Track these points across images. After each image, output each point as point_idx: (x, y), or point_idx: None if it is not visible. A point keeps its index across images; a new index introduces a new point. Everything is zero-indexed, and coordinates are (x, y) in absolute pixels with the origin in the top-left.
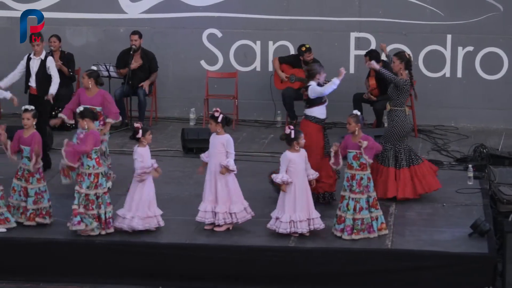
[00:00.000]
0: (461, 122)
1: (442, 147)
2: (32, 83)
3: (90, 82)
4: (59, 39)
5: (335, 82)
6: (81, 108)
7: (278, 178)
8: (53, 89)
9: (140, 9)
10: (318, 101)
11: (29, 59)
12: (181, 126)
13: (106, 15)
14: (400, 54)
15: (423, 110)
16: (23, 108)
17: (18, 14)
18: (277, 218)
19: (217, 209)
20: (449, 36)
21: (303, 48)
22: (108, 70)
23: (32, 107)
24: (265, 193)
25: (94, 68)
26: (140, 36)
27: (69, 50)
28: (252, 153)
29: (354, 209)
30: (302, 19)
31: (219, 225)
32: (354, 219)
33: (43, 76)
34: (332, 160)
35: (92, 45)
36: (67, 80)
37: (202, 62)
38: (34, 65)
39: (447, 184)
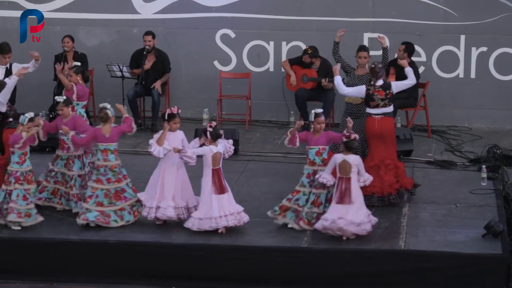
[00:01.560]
0: (475, 122)
1: (456, 148)
2: None
3: (78, 78)
4: (73, 40)
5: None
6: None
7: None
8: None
9: (153, 9)
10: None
11: None
12: (195, 126)
13: (120, 16)
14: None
15: (437, 110)
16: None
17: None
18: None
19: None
20: (462, 37)
21: (310, 51)
22: (121, 71)
23: (63, 97)
24: (277, 193)
25: (78, 63)
26: (154, 37)
27: (83, 50)
28: (265, 153)
29: (313, 203)
30: (316, 20)
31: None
32: (308, 212)
33: None
34: (289, 137)
35: (105, 46)
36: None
37: (216, 63)
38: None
39: (460, 185)
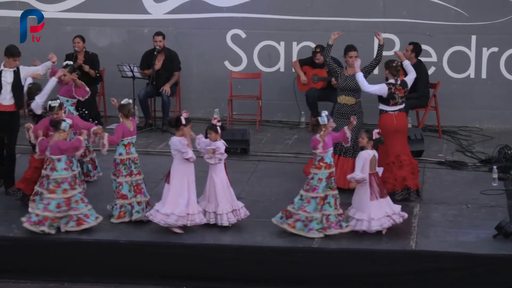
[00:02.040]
0: (486, 123)
1: (467, 148)
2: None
3: (73, 77)
4: (83, 40)
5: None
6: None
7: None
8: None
9: (164, 9)
10: None
11: None
12: (205, 126)
13: (130, 16)
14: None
15: (448, 111)
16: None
17: (43, 15)
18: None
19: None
20: (473, 37)
21: (318, 49)
22: (132, 71)
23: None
24: (289, 194)
25: (70, 62)
26: (164, 37)
27: (93, 50)
28: (276, 153)
29: (336, 206)
30: (326, 20)
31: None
32: (337, 215)
33: (19, 88)
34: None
35: (116, 46)
36: (93, 81)
37: (226, 63)
38: (8, 77)
39: (471, 186)
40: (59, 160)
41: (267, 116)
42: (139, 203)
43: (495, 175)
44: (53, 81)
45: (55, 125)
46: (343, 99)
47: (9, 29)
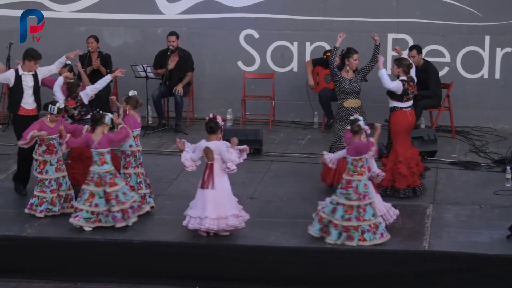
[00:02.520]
0: (499, 123)
1: (480, 149)
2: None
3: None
4: (97, 40)
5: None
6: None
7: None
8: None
9: (177, 10)
10: None
11: (19, 75)
12: None
13: (144, 16)
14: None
15: (461, 111)
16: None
17: (56, 15)
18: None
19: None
20: (487, 37)
21: (328, 53)
22: (145, 71)
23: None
24: (302, 194)
25: (69, 62)
26: (178, 37)
27: (107, 51)
28: (289, 154)
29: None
30: (339, 20)
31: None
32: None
33: (39, 91)
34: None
35: (129, 46)
36: None
37: (239, 63)
38: (29, 81)
39: (484, 186)
40: (108, 153)
41: (280, 116)
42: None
43: (509, 176)
44: (107, 78)
45: (99, 119)
46: (350, 103)
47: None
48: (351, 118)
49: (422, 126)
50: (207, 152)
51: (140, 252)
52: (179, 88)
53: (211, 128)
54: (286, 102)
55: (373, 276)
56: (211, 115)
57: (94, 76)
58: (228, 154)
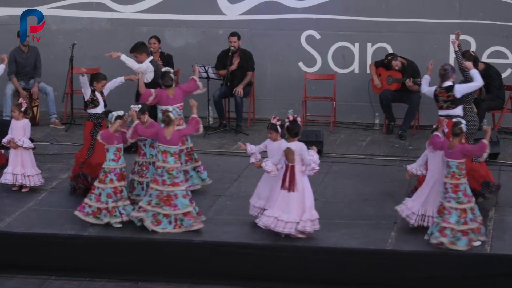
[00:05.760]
0: None
1: None
2: None
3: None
4: (159, 41)
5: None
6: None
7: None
8: None
9: (239, 10)
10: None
11: None
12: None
13: (206, 17)
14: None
15: None
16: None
17: (118, 15)
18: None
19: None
20: None
21: (389, 57)
22: (206, 72)
23: (138, 106)
24: (362, 195)
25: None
26: (239, 38)
27: (168, 51)
28: (350, 155)
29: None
30: (401, 21)
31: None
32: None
33: None
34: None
35: (191, 46)
36: None
37: (300, 64)
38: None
39: None
40: (107, 150)
41: (341, 118)
42: (165, 215)
43: None
44: (120, 80)
45: (169, 118)
46: None
47: (86, 30)
48: (454, 120)
49: (485, 127)
50: (288, 153)
51: (200, 252)
52: (239, 89)
53: (296, 133)
54: (347, 103)
55: (435, 279)
56: (273, 119)
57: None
58: (309, 155)
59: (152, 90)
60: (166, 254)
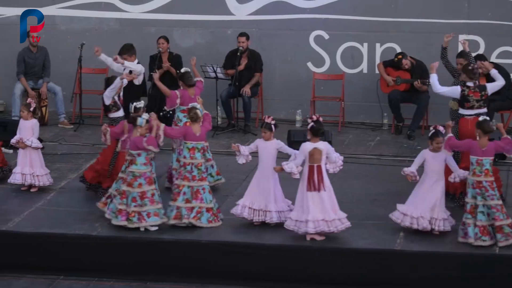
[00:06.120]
0: None
1: None
2: None
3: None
4: (167, 41)
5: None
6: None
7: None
8: None
9: (247, 11)
10: None
11: None
12: (287, 127)
13: (214, 17)
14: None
15: None
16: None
17: (127, 15)
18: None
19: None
20: None
21: (400, 56)
22: (215, 71)
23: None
24: (370, 195)
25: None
26: (248, 38)
27: (177, 51)
28: (358, 155)
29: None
30: (410, 21)
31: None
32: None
33: None
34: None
35: (199, 47)
36: (175, 81)
37: (309, 64)
38: None
39: None
40: (139, 155)
41: (349, 118)
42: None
43: None
44: (117, 82)
45: (196, 115)
46: (454, 104)
47: (94, 30)
48: (480, 118)
49: (493, 127)
50: (315, 153)
51: (209, 252)
52: (246, 89)
53: (322, 132)
54: (355, 103)
55: (443, 279)
56: (267, 118)
57: (165, 78)
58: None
59: (177, 92)
60: (175, 254)
